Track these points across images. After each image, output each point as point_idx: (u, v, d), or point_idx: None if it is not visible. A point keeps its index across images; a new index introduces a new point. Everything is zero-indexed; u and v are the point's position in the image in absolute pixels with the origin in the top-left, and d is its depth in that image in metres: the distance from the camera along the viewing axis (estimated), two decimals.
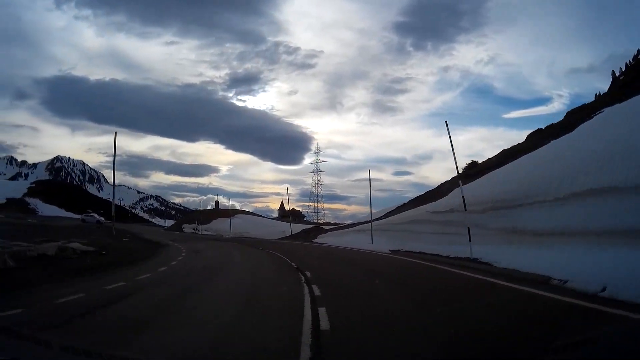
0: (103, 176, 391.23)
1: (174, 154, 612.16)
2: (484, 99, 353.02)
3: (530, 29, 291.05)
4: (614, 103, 25.47)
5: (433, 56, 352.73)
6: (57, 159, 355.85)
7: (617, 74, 50.70)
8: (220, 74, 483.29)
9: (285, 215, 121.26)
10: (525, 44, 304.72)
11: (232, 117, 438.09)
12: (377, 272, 11.81)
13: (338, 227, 44.86)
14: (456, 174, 48.81)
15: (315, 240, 35.93)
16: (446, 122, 17.13)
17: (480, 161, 47.60)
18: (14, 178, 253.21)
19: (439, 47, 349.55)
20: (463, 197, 17.18)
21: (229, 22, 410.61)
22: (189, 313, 6.29)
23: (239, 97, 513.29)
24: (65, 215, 76.68)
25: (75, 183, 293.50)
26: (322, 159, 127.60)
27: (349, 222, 68.40)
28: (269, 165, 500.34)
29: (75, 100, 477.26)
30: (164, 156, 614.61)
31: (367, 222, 40.64)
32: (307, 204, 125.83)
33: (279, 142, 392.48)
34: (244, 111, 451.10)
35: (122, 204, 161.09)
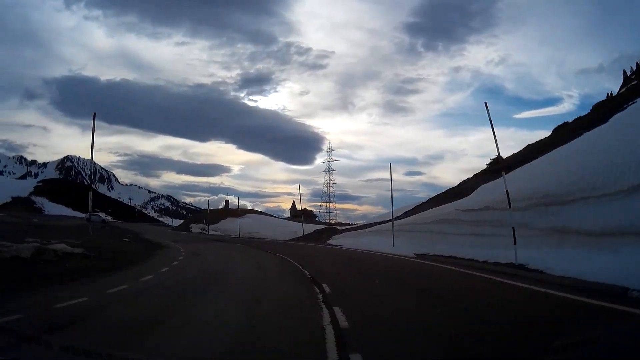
0: (114, 175, 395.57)
1: (186, 153, 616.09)
2: (494, 100, 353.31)
3: (540, 29, 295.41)
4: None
5: (444, 56, 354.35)
6: (67, 158, 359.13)
7: (628, 73, 49.11)
8: (231, 74, 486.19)
9: (297, 215, 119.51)
10: (535, 44, 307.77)
11: (244, 117, 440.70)
12: (411, 284, 9.48)
13: (353, 227, 42.32)
14: (477, 173, 46.10)
15: (329, 241, 33.58)
16: (485, 103, 14.65)
17: (504, 157, 45.68)
18: (23, 177, 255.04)
19: (450, 47, 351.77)
20: (507, 191, 14.73)
21: (240, 23, 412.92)
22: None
23: (251, 97, 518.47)
24: (71, 215, 75.67)
25: (85, 182, 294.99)
26: (334, 158, 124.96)
27: (361, 222, 66.06)
28: (281, 165, 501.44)
29: (85, 100, 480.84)
30: (176, 156, 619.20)
31: (384, 222, 38.20)
32: (319, 203, 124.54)
33: (291, 142, 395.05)
34: (255, 111, 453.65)
35: (132, 204, 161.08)
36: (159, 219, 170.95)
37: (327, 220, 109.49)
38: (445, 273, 11.98)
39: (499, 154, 16.02)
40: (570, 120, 41.47)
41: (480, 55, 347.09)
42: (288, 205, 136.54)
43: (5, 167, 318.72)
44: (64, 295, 7.52)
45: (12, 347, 3.82)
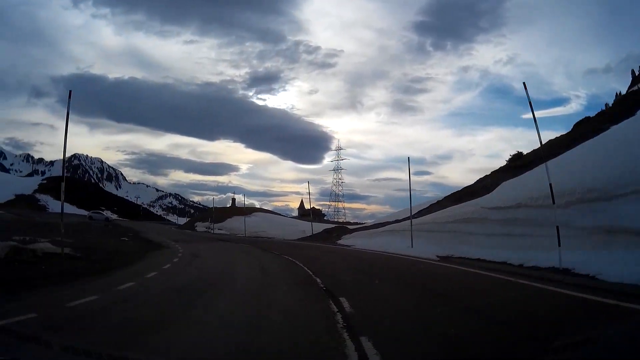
0: (121, 174, 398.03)
1: (194, 152, 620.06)
2: (502, 99, 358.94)
3: (547, 29, 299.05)
4: None
5: (452, 56, 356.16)
6: (75, 156, 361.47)
7: (637, 73, 47.70)
8: (240, 73, 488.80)
9: (305, 214, 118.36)
10: (543, 44, 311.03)
11: (252, 116, 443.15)
12: (450, 297, 7.58)
13: (364, 226, 40.40)
14: (495, 170, 44.03)
15: (340, 241, 31.72)
16: (524, 83, 12.83)
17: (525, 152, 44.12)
18: (30, 175, 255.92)
19: (459, 47, 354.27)
20: (551, 184, 12.84)
21: (248, 21, 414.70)
22: None
23: (259, 96, 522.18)
24: (74, 213, 74.49)
25: (93, 181, 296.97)
26: (343, 156, 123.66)
27: (370, 222, 63.81)
28: (289, 164, 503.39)
29: (93, 98, 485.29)
30: (184, 155, 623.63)
31: (398, 221, 36.33)
32: (328, 203, 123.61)
33: (299, 141, 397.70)
34: (264, 110, 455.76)
35: (138, 202, 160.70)
36: (165, 217, 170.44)
37: (336, 220, 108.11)
38: (486, 281, 10.10)
39: (540, 142, 14.07)
40: (586, 116, 40.55)
41: (489, 55, 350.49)
42: (296, 205, 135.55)
43: (12, 165, 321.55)
44: (16, 306, 6.07)
45: (12, 347, 3.79)
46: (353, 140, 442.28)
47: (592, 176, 14.23)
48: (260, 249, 22.47)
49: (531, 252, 13.86)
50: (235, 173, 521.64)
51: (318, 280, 9.46)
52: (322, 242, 31.67)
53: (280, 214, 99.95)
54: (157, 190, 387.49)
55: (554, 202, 13.01)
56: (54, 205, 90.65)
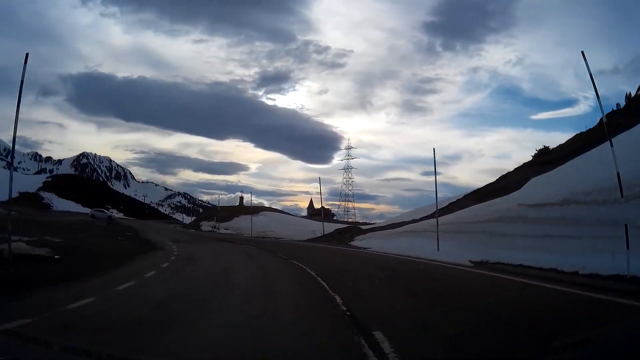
0: (130, 173, 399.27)
1: (203, 151, 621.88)
2: (512, 100, 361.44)
3: (556, 30, 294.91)
4: None
5: (462, 56, 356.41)
6: (83, 155, 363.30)
7: None
8: (249, 73, 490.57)
9: (315, 213, 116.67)
10: (552, 45, 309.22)
11: (262, 115, 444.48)
12: (516, 325, 5.30)
13: (379, 226, 37.98)
14: (518, 167, 41.66)
15: (353, 242, 29.42)
16: (582, 52, 10.61)
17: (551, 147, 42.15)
18: (38, 174, 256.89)
19: (468, 47, 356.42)
20: (618, 173, 10.64)
21: (258, 20, 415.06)
22: None
23: (269, 95, 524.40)
24: (77, 211, 73.34)
25: (101, 179, 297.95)
26: (353, 155, 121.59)
27: (379, 222, 60.83)
28: (299, 164, 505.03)
29: (102, 97, 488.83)
30: (193, 154, 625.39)
31: (416, 220, 33.99)
32: (337, 203, 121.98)
33: (309, 141, 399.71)
34: (273, 110, 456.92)
35: (146, 201, 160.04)
36: (172, 215, 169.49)
37: (345, 220, 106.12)
38: (556, 297, 7.85)
39: (604, 117, 11.77)
40: (613, 110, 38.76)
41: (498, 56, 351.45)
42: (305, 204, 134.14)
43: (19, 163, 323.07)
44: None
45: (12, 347, 3.74)
46: (362, 140, 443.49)
47: None
48: (265, 252, 20.25)
49: (584, 256, 11.89)
50: (244, 172, 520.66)
51: (337, 298, 7.14)
52: (334, 244, 29.34)
53: (289, 214, 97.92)
54: (166, 189, 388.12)
55: (622, 195, 10.82)
56: (58, 203, 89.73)
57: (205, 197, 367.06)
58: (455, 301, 7.31)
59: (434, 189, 22.08)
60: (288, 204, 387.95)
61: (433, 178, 22.51)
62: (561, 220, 14.68)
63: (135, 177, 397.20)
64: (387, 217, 57.34)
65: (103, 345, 4.27)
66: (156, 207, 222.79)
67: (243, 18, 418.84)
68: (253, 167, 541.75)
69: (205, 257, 16.43)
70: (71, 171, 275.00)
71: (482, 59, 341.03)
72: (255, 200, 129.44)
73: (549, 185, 20.22)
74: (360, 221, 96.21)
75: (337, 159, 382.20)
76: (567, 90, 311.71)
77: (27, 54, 11.20)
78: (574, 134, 41.70)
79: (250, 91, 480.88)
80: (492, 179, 44.69)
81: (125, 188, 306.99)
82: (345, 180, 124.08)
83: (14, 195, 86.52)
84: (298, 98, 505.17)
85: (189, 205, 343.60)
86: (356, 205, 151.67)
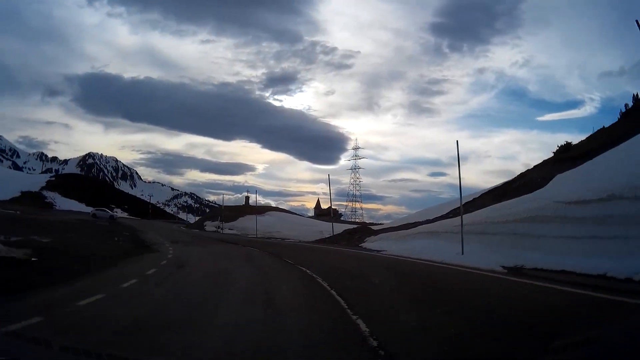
0: (137, 173, 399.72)
1: (210, 152, 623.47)
2: (518, 102, 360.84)
3: (562, 32, 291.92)
4: None
5: (469, 57, 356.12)
6: (90, 155, 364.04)
7: None
8: (257, 73, 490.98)
9: (322, 213, 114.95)
10: (558, 46, 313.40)
11: (269, 116, 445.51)
12: None
13: (391, 227, 35.92)
14: (538, 164, 39.53)
15: (364, 244, 27.49)
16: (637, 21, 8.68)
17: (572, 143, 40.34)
18: (43, 174, 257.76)
19: (475, 48, 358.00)
20: None
21: (265, 21, 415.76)
22: None
23: (276, 96, 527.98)
24: (80, 210, 72.07)
25: (107, 180, 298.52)
26: (360, 155, 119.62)
27: (387, 222, 58.41)
28: (305, 164, 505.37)
29: (108, 97, 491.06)
30: (200, 154, 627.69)
31: (430, 221, 32.02)
32: (345, 203, 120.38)
33: (316, 142, 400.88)
34: (280, 111, 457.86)
35: (151, 201, 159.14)
36: (177, 215, 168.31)
37: (353, 220, 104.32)
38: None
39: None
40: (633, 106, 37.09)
41: (505, 57, 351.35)
42: (312, 205, 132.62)
43: (25, 163, 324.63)
44: None
45: (12, 347, 3.73)
46: (369, 141, 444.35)
47: None
48: (270, 255, 18.34)
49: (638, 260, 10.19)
50: (251, 173, 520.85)
51: (362, 326, 5.21)
52: (344, 246, 27.38)
53: (295, 213, 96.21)
54: (173, 189, 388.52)
55: None
56: (61, 202, 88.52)
57: (212, 197, 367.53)
58: (514, 327, 5.45)
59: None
60: (295, 204, 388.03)
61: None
62: (608, 219, 12.79)
63: (142, 178, 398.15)
64: (393, 218, 56.07)
65: None
66: (162, 207, 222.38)
67: (250, 19, 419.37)
68: (260, 168, 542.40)
69: (200, 262, 14.61)
70: (77, 171, 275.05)
71: (489, 60, 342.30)
72: (262, 201, 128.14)
73: (567, 183, 18.42)
74: (367, 222, 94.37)
75: (344, 160, 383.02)
76: (573, 91, 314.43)
77: None
78: (596, 130, 40.07)
79: (257, 92, 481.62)
80: (500, 180, 43.26)
81: (132, 188, 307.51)
82: (352, 180, 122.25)
83: (17, 194, 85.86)
84: (305, 99, 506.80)
85: (196, 206, 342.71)
86: (363, 205, 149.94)
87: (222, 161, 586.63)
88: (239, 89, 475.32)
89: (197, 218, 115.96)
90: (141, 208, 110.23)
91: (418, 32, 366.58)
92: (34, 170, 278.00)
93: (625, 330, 4.08)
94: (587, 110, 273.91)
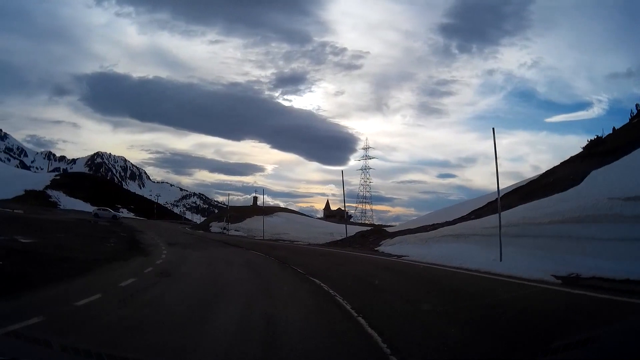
0: (145, 173, 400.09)
1: (219, 152, 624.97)
2: (526, 103, 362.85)
3: (570, 33, 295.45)
4: None
5: (478, 59, 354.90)
6: (98, 154, 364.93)
7: None
8: (266, 74, 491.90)
9: (331, 215, 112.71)
10: (566, 47, 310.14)
11: (278, 116, 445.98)
12: None
13: (409, 229, 33.21)
14: (565, 160, 37.04)
15: (381, 248, 25.03)
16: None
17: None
18: (50, 173, 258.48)
19: (484, 49, 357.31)
20: None
21: (274, 21, 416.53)
22: None
23: (285, 97, 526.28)
24: (83, 210, 70.60)
25: (115, 179, 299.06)
26: (370, 155, 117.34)
27: (394, 224, 55.41)
28: (315, 165, 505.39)
29: (117, 97, 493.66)
30: (208, 154, 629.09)
31: (450, 222, 29.53)
32: (354, 205, 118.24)
33: (325, 143, 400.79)
34: (290, 111, 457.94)
35: (159, 201, 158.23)
36: (184, 215, 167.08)
37: (363, 222, 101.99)
38: None
39: None
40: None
41: (514, 58, 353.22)
42: (321, 206, 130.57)
43: (33, 162, 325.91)
44: None
45: (12, 347, 3.72)
46: (379, 142, 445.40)
47: None
48: (276, 262, 15.89)
49: None
50: (260, 173, 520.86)
51: None
52: (359, 250, 24.90)
53: (304, 214, 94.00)
54: (181, 189, 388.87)
55: None
56: (66, 202, 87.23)
57: (220, 198, 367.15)
58: None
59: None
60: (304, 205, 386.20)
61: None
62: None
63: (151, 177, 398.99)
64: (402, 220, 54.26)
65: None
66: (170, 208, 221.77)
67: (259, 19, 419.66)
68: (269, 168, 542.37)
69: (192, 271, 12.24)
70: (85, 171, 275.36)
71: (498, 61, 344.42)
72: (271, 202, 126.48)
73: (606, 180, 16.18)
74: (376, 223, 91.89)
75: (354, 161, 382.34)
76: (581, 93, 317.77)
77: None
78: (622, 125, 38.03)
79: (267, 92, 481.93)
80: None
81: (140, 188, 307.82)
82: (362, 180, 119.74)
83: (20, 193, 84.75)
84: (314, 99, 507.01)
85: (205, 206, 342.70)
86: (373, 207, 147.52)
87: (231, 161, 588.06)
88: (248, 89, 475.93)
89: (203, 219, 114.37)
90: (148, 208, 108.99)
91: (427, 33, 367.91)
92: (42, 169, 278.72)
93: (625, 330, 3.99)
94: (595, 111, 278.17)
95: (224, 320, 5.99)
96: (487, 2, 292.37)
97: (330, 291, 8.21)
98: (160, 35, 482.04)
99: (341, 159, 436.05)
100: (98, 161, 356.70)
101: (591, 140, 40.37)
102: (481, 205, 36.21)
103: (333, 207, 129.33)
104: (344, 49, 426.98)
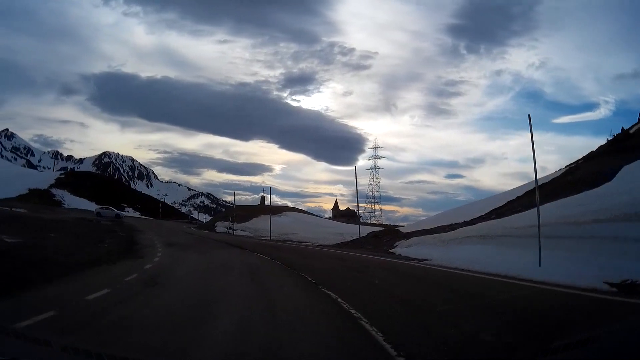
0: (153, 172, 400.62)
1: (227, 152, 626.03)
2: (534, 104, 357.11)
3: (577, 34, 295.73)
4: None
5: (486, 59, 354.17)
6: (105, 154, 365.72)
7: None
8: (274, 74, 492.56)
9: (340, 214, 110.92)
10: (573, 48, 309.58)
11: (287, 117, 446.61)
12: None
13: (426, 230, 31.03)
14: (584, 156, 35.16)
15: (396, 250, 23.00)
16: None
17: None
18: (57, 172, 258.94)
19: (492, 50, 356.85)
20: None
21: (283, 22, 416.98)
22: None
23: (294, 97, 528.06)
24: (87, 209, 69.47)
25: (123, 179, 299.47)
26: (380, 155, 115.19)
27: (402, 224, 52.87)
28: (323, 165, 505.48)
29: (125, 96, 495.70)
30: (217, 154, 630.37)
31: (468, 222, 27.57)
32: (364, 205, 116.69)
33: (333, 143, 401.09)
34: (298, 111, 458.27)
35: (167, 200, 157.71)
36: (191, 215, 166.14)
37: (372, 222, 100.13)
38: None
39: None
40: None
41: (521, 59, 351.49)
42: (329, 206, 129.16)
43: (40, 161, 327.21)
44: None
45: (12, 347, 3.67)
46: (387, 142, 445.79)
47: None
48: (283, 267, 13.89)
49: None
50: (268, 173, 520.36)
51: None
52: (373, 252, 22.92)
53: (313, 214, 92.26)
54: (189, 189, 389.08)
55: None
56: (70, 200, 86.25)
57: (228, 198, 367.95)
58: None
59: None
60: (312, 205, 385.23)
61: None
62: None
63: (158, 177, 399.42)
64: (411, 220, 52.87)
65: None
66: (178, 207, 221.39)
67: (268, 19, 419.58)
68: (277, 169, 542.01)
69: (183, 278, 10.35)
70: (93, 170, 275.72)
71: (506, 62, 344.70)
72: (279, 202, 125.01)
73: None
74: (384, 223, 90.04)
75: (362, 161, 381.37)
76: (588, 94, 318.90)
77: None
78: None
79: (275, 92, 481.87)
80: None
81: (148, 188, 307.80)
82: (372, 180, 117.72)
83: (24, 191, 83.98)
84: (323, 99, 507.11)
85: (212, 206, 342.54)
86: (382, 207, 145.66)
87: (240, 161, 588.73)
88: (256, 89, 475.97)
89: (207, 218, 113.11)
90: (154, 208, 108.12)
91: (435, 33, 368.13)
92: (49, 168, 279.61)
93: (625, 330, 3.97)
94: (601, 112, 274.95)
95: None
96: (494, 2, 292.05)
97: (352, 310, 6.34)
98: (168, 35, 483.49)
99: (349, 159, 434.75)
100: (106, 161, 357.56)
101: (616, 135, 38.35)
102: (500, 205, 34.24)
103: (341, 207, 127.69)
104: (352, 49, 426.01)
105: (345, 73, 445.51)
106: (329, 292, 7.97)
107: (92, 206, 75.65)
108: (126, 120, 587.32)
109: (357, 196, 39.57)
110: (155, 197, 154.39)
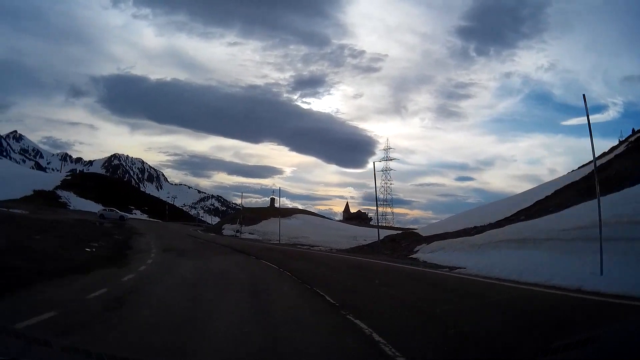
0: (163, 175, 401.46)
1: (237, 154, 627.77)
2: (543, 106, 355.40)
3: (586, 36, 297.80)
4: None
5: (495, 61, 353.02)
6: (115, 156, 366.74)
7: None
8: (285, 76, 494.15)
9: (351, 217, 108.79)
10: (582, 50, 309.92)
11: (297, 119, 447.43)
12: None
13: (449, 234, 28.51)
14: (604, 152, 32.63)
15: (418, 255, 20.67)
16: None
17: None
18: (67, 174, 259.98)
19: (501, 52, 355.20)
20: None
21: (293, 24, 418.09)
22: None
23: (304, 99, 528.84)
24: (91, 210, 68.18)
25: (133, 181, 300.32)
26: (391, 157, 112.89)
27: (412, 227, 49.80)
28: (333, 167, 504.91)
29: (134, 99, 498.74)
30: (227, 157, 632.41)
31: (501, 223, 25.16)
32: (373, 208, 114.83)
33: (344, 145, 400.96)
34: (308, 113, 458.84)
35: (176, 203, 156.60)
36: (200, 217, 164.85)
37: (384, 225, 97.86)
38: None
39: None
40: None
41: (530, 61, 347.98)
42: (339, 208, 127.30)
43: (49, 163, 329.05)
44: None
45: (12, 347, 3.63)
46: (397, 145, 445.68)
47: None
48: (294, 280, 11.29)
49: None
50: (279, 176, 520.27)
51: None
52: (394, 258, 20.32)
53: (324, 217, 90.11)
54: (199, 191, 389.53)
55: None
56: (76, 202, 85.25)
57: (239, 201, 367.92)
58: None
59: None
60: (322, 207, 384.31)
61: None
62: None
63: (169, 180, 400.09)
64: (421, 223, 50.92)
65: None
66: (187, 210, 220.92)
67: (278, 21, 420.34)
68: (287, 171, 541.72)
69: (161, 297, 7.86)
70: (102, 172, 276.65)
71: (515, 64, 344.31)
72: (289, 204, 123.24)
73: None
74: (395, 226, 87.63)
75: (372, 164, 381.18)
76: (596, 96, 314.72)
77: None
78: None
79: (285, 95, 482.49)
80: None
81: (158, 190, 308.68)
82: (383, 182, 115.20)
83: (29, 193, 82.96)
84: (333, 102, 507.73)
85: (222, 208, 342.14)
86: (391, 209, 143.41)
87: (250, 164, 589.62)
88: (266, 91, 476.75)
89: (215, 220, 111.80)
90: (162, 210, 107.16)
91: (445, 35, 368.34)
92: (58, 171, 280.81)
93: (625, 330, 4.02)
94: (610, 114, 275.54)
95: None
96: (504, 5, 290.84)
97: (391, 352, 4.16)
98: (178, 37, 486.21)
99: (360, 162, 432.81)
100: (115, 163, 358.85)
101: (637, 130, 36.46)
102: (528, 205, 31.87)
103: (352, 210, 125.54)
104: (362, 52, 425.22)
105: (355, 75, 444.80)
106: (356, 322, 5.65)
107: (97, 208, 74.54)
108: (136, 123, 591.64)
109: (376, 197, 36.94)
110: (164, 199, 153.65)
